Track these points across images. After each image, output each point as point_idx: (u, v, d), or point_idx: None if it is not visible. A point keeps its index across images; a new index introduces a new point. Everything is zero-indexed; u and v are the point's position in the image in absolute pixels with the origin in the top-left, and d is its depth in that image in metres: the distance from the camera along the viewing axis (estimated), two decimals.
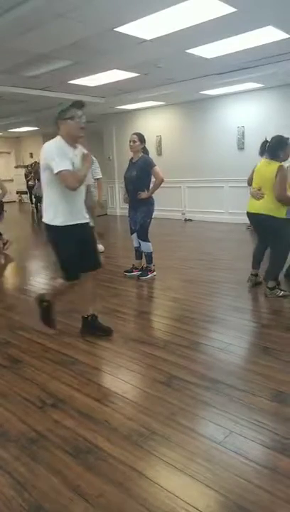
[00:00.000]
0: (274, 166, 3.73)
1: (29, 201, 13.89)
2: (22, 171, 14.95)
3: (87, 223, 3.05)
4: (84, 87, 7.27)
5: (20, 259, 6.58)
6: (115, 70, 6.28)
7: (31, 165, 13.39)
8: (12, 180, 16.70)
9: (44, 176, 2.84)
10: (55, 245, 2.94)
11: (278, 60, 6.06)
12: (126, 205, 4.98)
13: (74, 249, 2.90)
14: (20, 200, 16.52)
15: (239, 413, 2.14)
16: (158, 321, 3.64)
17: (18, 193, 16.57)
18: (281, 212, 3.80)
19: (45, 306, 3.19)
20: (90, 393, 2.39)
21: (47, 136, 12.62)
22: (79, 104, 2.85)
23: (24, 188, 14.66)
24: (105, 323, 3.26)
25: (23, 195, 15.89)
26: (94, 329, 3.19)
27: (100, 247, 6.05)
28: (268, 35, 4.89)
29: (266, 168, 3.83)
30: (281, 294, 3.95)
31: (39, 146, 15.56)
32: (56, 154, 2.72)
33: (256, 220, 4.04)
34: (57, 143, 2.81)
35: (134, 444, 1.93)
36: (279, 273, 4.08)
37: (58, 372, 2.65)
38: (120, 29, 4.41)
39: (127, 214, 4.93)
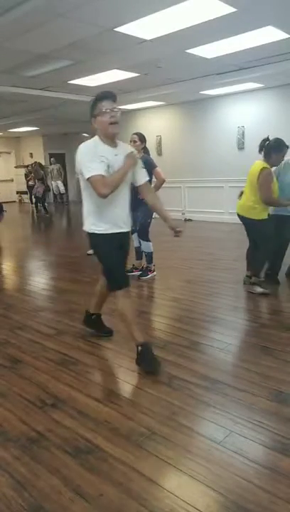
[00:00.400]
0: (258, 167, 3.77)
1: (29, 201, 13.89)
2: (22, 171, 14.97)
3: (128, 232, 2.79)
4: (84, 87, 7.28)
5: (20, 259, 6.58)
6: (115, 70, 6.29)
7: (31, 165, 13.39)
8: (12, 180, 16.72)
9: (80, 181, 2.60)
10: (97, 254, 2.73)
11: (278, 60, 6.07)
12: None
13: (117, 256, 2.68)
14: (20, 200, 16.53)
15: (239, 413, 2.14)
16: (158, 321, 3.64)
17: (18, 193, 16.58)
18: (257, 214, 3.88)
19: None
20: (90, 393, 2.39)
21: (47, 136, 12.62)
22: (107, 96, 2.47)
23: (24, 188, 14.67)
24: (106, 323, 3.25)
25: (23, 195, 15.90)
26: (95, 326, 3.17)
27: None
28: (268, 35, 4.89)
29: (253, 169, 3.89)
30: (259, 290, 4.03)
31: (39, 146, 15.74)
32: (88, 157, 2.44)
33: (240, 220, 4.10)
34: (91, 143, 2.53)
35: (134, 444, 1.93)
36: (260, 270, 4.14)
37: (58, 372, 2.65)
38: (120, 29, 4.42)
39: None
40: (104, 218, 2.59)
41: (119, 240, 2.67)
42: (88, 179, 2.42)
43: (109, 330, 3.19)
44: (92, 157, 2.43)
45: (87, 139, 2.66)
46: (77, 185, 2.88)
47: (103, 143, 2.52)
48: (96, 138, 2.55)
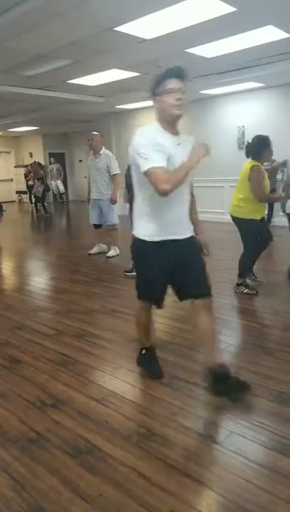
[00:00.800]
0: (248, 165, 3.81)
1: (29, 201, 13.89)
2: (22, 171, 14.95)
3: (189, 238, 2.27)
4: (84, 86, 7.27)
5: (20, 259, 6.57)
6: (115, 70, 6.28)
7: (31, 165, 13.38)
8: (12, 180, 16.71)
9: (133, 174, 2.20)
10: (134, 260, 2.36)
11: (278, 60, 6.06)
12: (125, 205, 4.98)
13: (156, 273, 2.22)
14: (19, 200, 16.52)
15: (239, 413, 2.14)
16: (158, 321, 3.62)
17: (17, 193, 16.57)
18: (244, 213, 3.91)
19: (144, 355, 2.60)
20: (90, 393, 2.39)
21: (47, 136, 12.57)
22: (177, 73, 2.08)
23: (24, 188, 14.65)
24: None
25: (23, 195, 15.89)
26: (227, 386, 2.19)
27: (112, 252, 6.02)
28: (268, 34, 4.89)
29: (243, 168, 3.92)
30: (245, 291, 4.08)
31: (39, 145, 15.71)
32: (146, 145, 2.01)
33: (232, 220, 4.13)
34: (150, 129, 2.11)
35: (134, 444, 1.93)
36: (246, 272, 4.15)
37: (58, 373, 2.65)
38: (120, 29, 4.41)
39: (128, 213, 4.92)
40: (155, 221, 2.16)
41: (172, 251, 2.18)
42: (145, 172, 1.99)
43: (245, 385, 2.24)
44: (151, 145, 2.00)
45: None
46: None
47: (163, 129, 2.11)
48: (156, 124, 2.15)
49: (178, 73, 2.08)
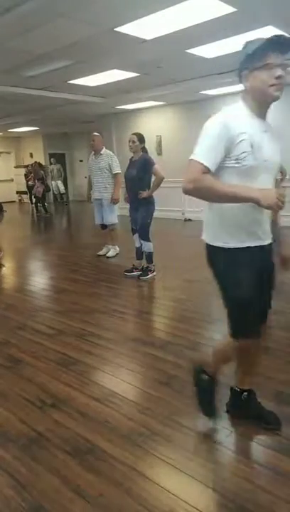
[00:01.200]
0: None
1: (29, 201, 13.90)
2: (22, 171, 14.95)
3: (270, 245, 1.86)
4: (84, 87, 7.28)
5: (20, 259, 6.58)
6: (115, 70, 6.29)
7: (31, 165, 13.40)
8: (12, 180, 16.72)
9: None
10: (218, 278, 1.86)
11: None
12: (126, 205, 4.99)
13: (251, 285, 1.77)
14: (20, 200, 16.53)
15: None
16: (158, 321, 3.64)
17: (18, 193, 16.58)
18: None
19: (205, 381, 2.08)
20: (90, 393, 2.39)
21: (47, 136, 12.56)
22: (280, 44, 1.66)
23: (24, 188, 14.66)
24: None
25: (23, 195, 15.90)
26: (248, 412, 2.04)
27: (111, 252, 5.99)
28: (268, 35, 4.87)
29: None
30: None
31: (39, 146, 15.71)
32: (209, 135, 1.67)
33: None
34: (229, 115, 1.69)
35: (134, 444, 1.93)
36: None
37: (58, 372, 2.65)
38: (120, 29, 4.42)
39: (128, 214, 4.93)
40: (234, 225, 1.75)
41: (259, 260, 1.80)
42: (189, 160, 1.65)
43: (273, 419, 2.01)
44: (215, 137, 1.65)
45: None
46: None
47: (250, 111, 1.72)
48: (240, 105, 1.75)
49: (283, 46, 1.65)
